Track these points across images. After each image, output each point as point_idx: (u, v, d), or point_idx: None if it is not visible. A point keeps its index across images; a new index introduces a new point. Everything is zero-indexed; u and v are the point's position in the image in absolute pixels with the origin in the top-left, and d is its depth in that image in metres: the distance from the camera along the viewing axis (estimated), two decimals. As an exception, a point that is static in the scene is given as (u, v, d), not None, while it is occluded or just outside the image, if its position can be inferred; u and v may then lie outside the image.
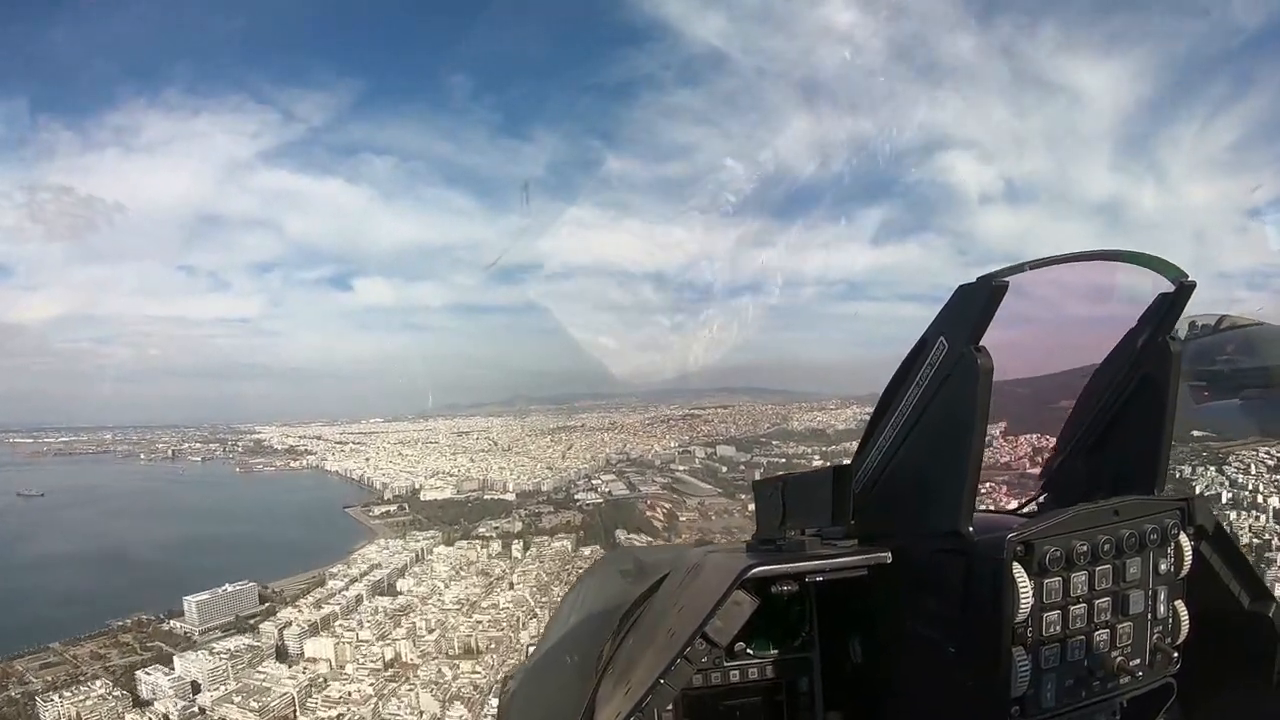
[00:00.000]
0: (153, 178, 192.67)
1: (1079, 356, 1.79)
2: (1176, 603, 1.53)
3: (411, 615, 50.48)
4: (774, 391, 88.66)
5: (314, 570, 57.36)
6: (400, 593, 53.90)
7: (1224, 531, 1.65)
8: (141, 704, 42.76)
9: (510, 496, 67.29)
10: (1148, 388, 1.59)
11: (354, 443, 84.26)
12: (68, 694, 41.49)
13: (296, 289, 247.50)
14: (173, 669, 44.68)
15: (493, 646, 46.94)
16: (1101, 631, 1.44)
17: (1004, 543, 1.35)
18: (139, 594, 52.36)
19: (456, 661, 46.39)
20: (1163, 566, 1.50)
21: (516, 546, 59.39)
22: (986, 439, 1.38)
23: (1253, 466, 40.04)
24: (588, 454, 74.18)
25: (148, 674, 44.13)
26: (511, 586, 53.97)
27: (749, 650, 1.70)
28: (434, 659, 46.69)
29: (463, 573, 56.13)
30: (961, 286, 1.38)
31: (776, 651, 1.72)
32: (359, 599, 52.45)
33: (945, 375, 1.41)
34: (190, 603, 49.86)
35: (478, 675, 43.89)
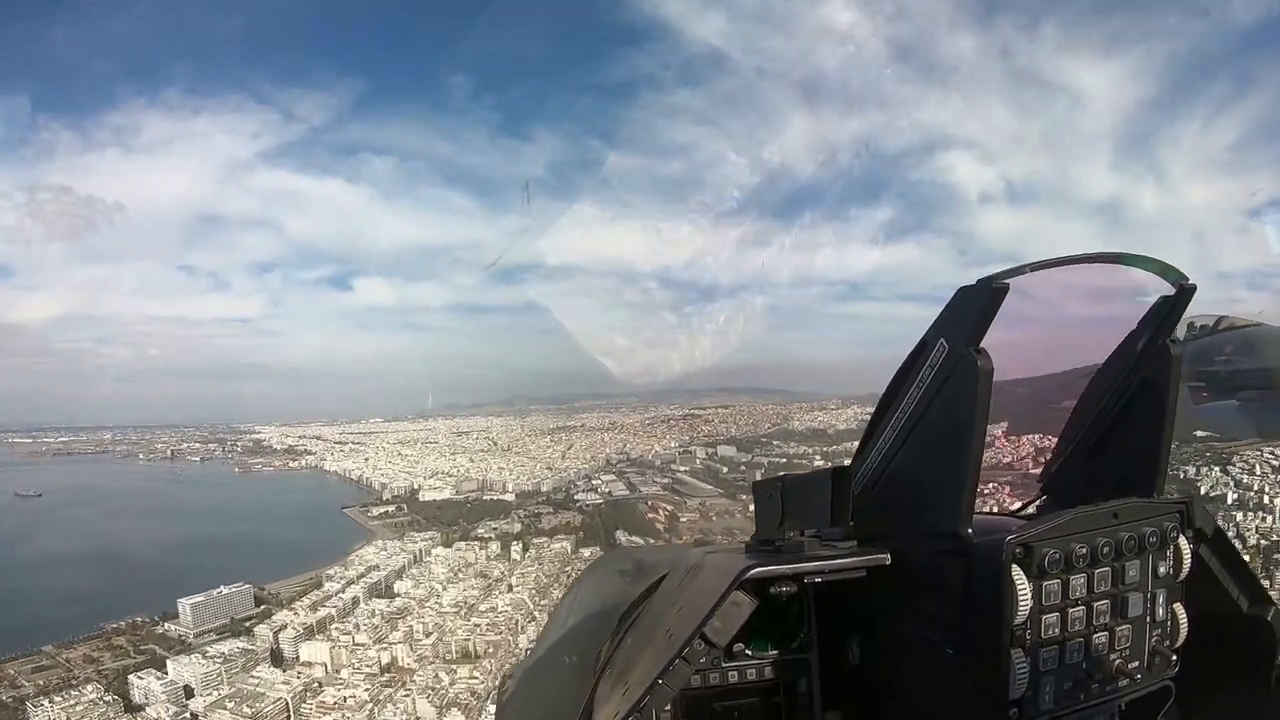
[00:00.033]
0: (153, 178, 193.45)
1: (1080, 357, 1.80)
2: (1175, 605, 1.53)
3: (409, 618, 50.26)
4: (774, 391, 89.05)
5: (311, 572, 57.27)
6: (398, 595, 53.67)
7: (1223, 534, 1.66)
8: (133, 709, 42.56)
9: (510, 497, 67.10)
10: (1148, 391, 1.59)
11: (353, 443, 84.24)
12: (59, 698, 41.25)
13: (296, 289, 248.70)
14: (166, 673, 44.47)
15: (491, 651, 46.67)
16: (1100, 634, 1.44)
17: (1003, 545, 1.35)
18: (135, 595, 52.33)
19: (454, 666, 46.14)
20: (1162, 569, 1.50)
21: (516, 548, 59.19)
22: (988, 439, 1.38)
23: (1257, 467, 40.04)
24: (587, 454, 74.11)
25: (140, 678, 43.97)
26: (510, 589, 53.67)
27: (747, 651, 1.70)
28: (431, 663, 46.43)
29: (461, 574, 55.90)
30: (962, 288, 1.37)
31: (775, 652, 1.72)
32: (356, 601, 52.20)
33: (945, 377, 1.41)
34: (185, 605, 49.65)
35: (475, 680, 43.63)
